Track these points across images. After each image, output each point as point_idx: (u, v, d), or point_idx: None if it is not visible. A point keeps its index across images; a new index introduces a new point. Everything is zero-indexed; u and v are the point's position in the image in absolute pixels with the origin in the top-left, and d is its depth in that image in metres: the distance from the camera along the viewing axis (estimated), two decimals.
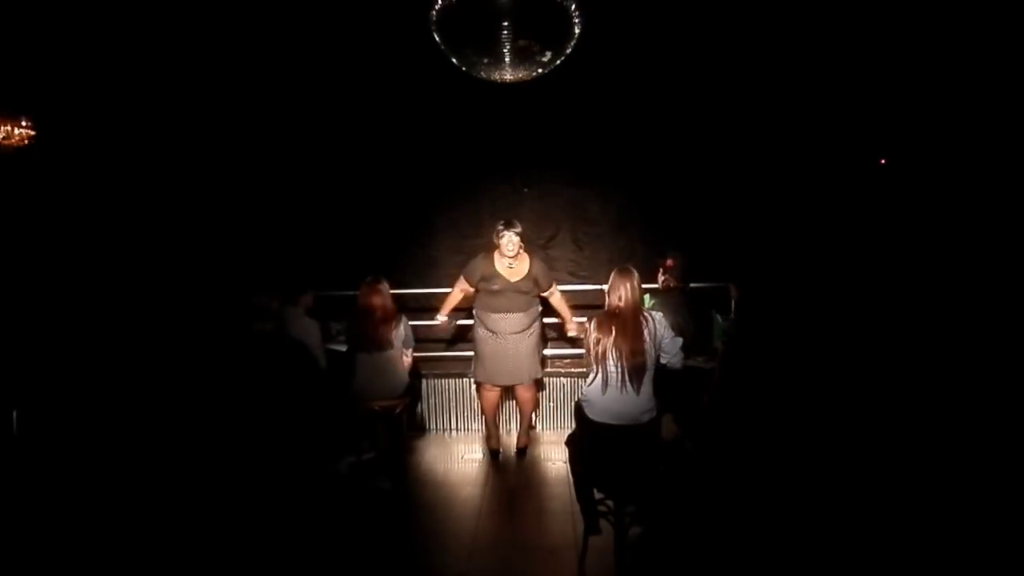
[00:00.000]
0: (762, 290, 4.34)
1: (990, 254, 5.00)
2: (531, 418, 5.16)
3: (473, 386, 5.18)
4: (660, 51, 5.56)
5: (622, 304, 3.44)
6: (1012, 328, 4.55)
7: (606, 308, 3.51)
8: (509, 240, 4.54)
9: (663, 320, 3.55)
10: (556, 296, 4.92)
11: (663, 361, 3.50)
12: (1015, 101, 4.91)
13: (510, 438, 5.17)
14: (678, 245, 4.90)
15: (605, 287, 3.61)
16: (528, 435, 5.09)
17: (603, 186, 5.94)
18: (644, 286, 3.66)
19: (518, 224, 4.60)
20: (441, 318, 4.92)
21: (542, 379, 5.19)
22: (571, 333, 5.00)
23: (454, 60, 3.66)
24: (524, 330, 4.73)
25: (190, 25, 5.29)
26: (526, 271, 4.68)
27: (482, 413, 5.13)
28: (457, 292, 4.86)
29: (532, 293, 4.74)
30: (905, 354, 4.73)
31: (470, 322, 5.04)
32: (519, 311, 4.70)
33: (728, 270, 4.67)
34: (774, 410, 3.90)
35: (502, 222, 4.61)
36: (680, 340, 3.58)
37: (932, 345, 4.73)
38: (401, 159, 5.88)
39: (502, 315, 4.67)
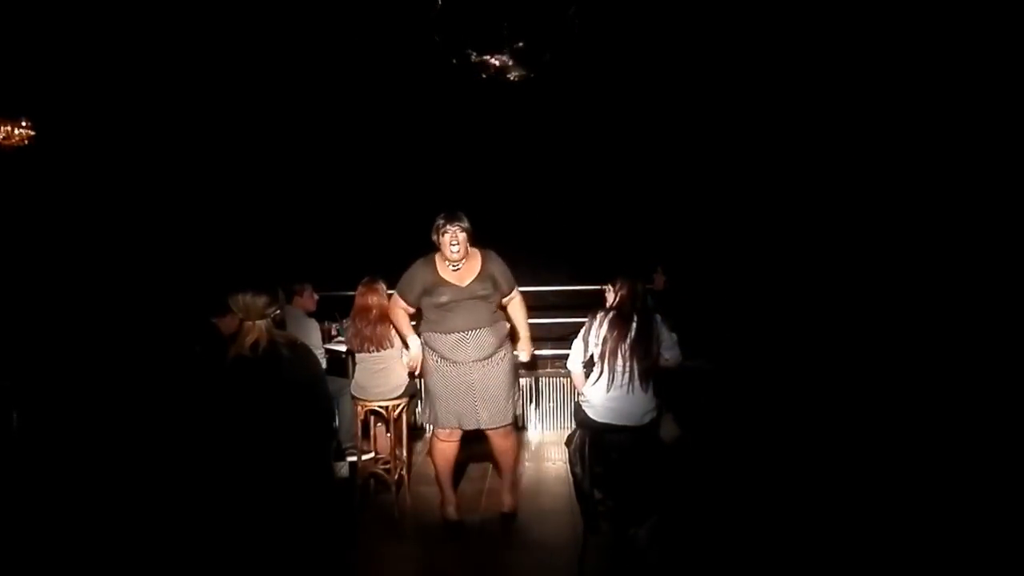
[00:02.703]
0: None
1: (969, 253, 5.00)
2: (515, 472, 3.98)
3: None
4: (663, 55, 5.57)
5: (639, 306, 3.49)
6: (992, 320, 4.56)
7: (618, 309, 3.52)
8: (453, 236, 3.51)
9: (660, 319, 3.59)
10: (516, 302, 3.84)
11: (664, 357, 3.52)
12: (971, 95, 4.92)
13: (488, 501, 4.17)
14: (677, 245, 4.91)
15: (607, 287, 3.64)
16: (515, 495, 4.00)
17: (604, 186, 5.95)
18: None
19: (463, 217, 3.58)
20: (413, 345, 3.72)
21: (520, 421, 4.31)
22: (523, 358, 3.96)
23: (454, 60, 3.67)
24: (493, 354, 3.64)
25: (189, 26, 5.30)
26: (479, 268, 3.64)
27: (434, 471, 3.92)
28: (401, 313, 3.77)
29: (493, 300, 3.68)
30: (896, 351, 4.75)
31: None
32: (482, 326, 3.59)
33: (728, 270, 4.68)
34: (774, 410, 3.90)
35: (442, 215, 3.58)
36: (675, 336, 3.61)
37: (920, 342, 4.75)
38: (401, 159, 5.90)
39: (461, 335, 3.58)
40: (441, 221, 3.56)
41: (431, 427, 3.85)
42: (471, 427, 3.71)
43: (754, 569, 3.40)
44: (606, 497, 3.52)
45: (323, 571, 3.39)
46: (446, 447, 3.79)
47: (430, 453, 3.88)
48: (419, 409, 5.41)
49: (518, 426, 4.14)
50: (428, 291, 3.60)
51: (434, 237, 3.59)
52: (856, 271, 5.39)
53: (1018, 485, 3.64)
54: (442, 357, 3.65)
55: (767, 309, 5.28)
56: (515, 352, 3.90)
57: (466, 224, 3.57)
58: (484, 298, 3.62)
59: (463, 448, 3.87)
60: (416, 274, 3.65)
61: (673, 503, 3.65)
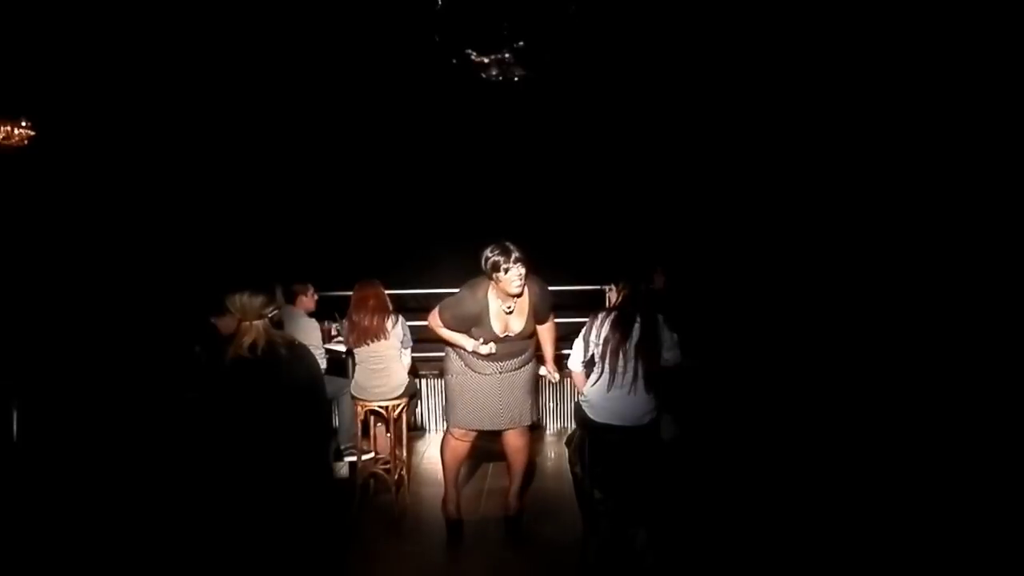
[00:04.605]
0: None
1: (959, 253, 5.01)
2: (525, 475, 3.92)
3: None
4: (663, 56, 5.57)
5: (642, 307, 3.47)
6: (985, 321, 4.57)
7: (620, 310, 3.49)
8: (517, 275, 3.35)
9: (662, 320, 3.58)
10: (549, 325, 3.75)
11: (664, 358, 3.52)
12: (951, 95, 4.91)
13: (488, 502, 4.20)
14: (677, 246, 4.91)
15: (610, 287, 3.63)
16: (521, 499, 3.93)
17: (604, 187, 5.95)
18: None
19: (515, 248, 3.38)
20: (483, 346, 3.55)
21: (538, 423, 4.32)
22: (551, 374, 3.89)
23: (454, 60, 3.67)
24: (520, 368, 3.71)
25: (190, 26, 5.30)
26: (527, 309, 3.55)
27: (442, 468, 3.90)
28: (438, 325, 3.64)
29: (532, 335, 3.69)
30: (891, 351, 4.75)
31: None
32: (513, 357, 3.64)
33: (727, 271, 4.68)
34: (772, 410, 3.90)
35: (496, 249, 3.35)
36: (676, 336, 3.60)
37: (914, 342, 4.75)
38: (402, 159, 5.91)
39: (494, 363, 3.63)
40: (498, 256, 3.34)
41: (446, 424, 3.85)
42: (490, 427, 3.72)
43: (752, 568, 3.40)
44: (606, 497, 3.51)
45: (322, 571, 3.39)
46: (459, 446, 3.79)
47: (441, 449, 3.87)
48: (419, 409, 5.43)
49: (534, 427, 4.09)
50: (474, 327, 3.52)
51: (489, 271, 3.39)
52: (852, 272, 5.39)
53: (1015, 483, 3.64)
54: (466, 365, 3.67)
55: (765, 309, 5.28)
56: (542, 372, 3.91)
57: (522, 257, 3.37)
58: (522, 337, 3.61)
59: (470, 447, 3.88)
60: (467, 309, 3.50)
61: (672, 503, 3.65)
